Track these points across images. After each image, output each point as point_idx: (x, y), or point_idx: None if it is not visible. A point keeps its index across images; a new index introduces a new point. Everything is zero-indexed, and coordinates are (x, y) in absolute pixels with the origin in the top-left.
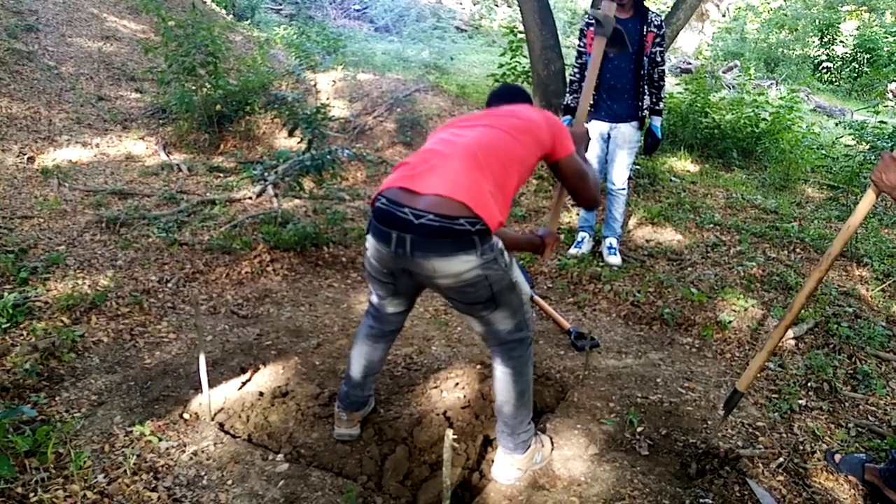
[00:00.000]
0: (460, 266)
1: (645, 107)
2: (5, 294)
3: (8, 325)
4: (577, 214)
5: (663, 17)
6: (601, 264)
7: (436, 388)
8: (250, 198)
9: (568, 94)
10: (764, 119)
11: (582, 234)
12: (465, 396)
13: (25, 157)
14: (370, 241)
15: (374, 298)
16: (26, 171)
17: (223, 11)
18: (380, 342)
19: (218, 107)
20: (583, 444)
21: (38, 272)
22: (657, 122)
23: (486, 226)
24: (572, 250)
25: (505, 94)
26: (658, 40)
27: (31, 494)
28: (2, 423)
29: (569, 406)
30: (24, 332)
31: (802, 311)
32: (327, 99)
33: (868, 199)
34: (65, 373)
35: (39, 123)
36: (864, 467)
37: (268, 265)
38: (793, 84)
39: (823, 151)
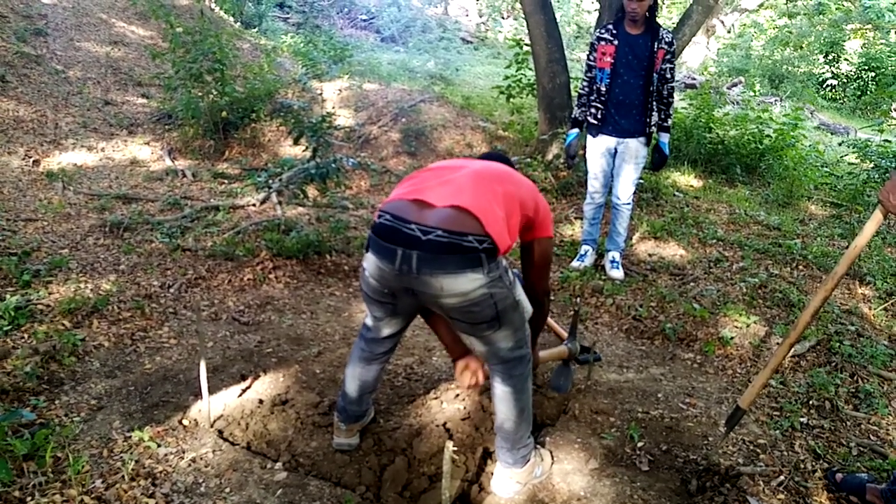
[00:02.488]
0: (468, 284)
1: (653, 123)
2: (7, 296)
3: (9, 327)
4: (581, 227)
5: (675, 35)
6: (603, 278)
7: (436, 399)
8: (254, 205)
9: (576, 108)
10: (768, 136)
11: (585, 247)
12: (465, 408)
13: (31, 160)
14: (370, 260)
15: (370, 321)
16: (31, 174)
17: (231, 19)
18: (373, 364)
19: (224, 113)
20: (583, 459)
21: (40, 275)
22: (665, 138)
23: (494, 244)
24: (575, 263)
25: (496, 157)
26: (668, 57)
27: (29, 498)
28: (1, 427)
29: (569, 420)
30: (26, 335)
31: (805, 329)
32: (333, 108)
33: (875, 220)
34: (65, 376)
35: (46, 127)
36: (866, 487)
37: (270, 272)
38: (797, 101)
39: (827, 169)
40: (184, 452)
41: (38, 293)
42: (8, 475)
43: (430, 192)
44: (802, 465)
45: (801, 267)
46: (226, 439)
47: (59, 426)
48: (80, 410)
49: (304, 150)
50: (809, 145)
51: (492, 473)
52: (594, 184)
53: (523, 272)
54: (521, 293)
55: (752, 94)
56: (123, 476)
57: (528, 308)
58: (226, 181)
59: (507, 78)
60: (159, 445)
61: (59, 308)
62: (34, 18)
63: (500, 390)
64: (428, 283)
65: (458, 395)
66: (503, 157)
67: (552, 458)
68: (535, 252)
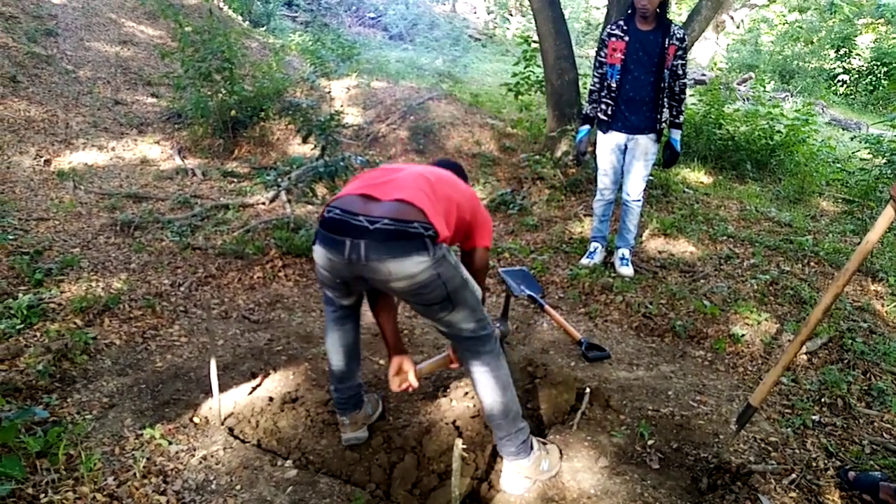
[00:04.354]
0: (414, 267)
1: (663, 119)
2: (20, 295)
3: (22, 325)
4: (590, 224)
5: (685, 30)
6: (613, 275)
7: (445, 397)
8: (263, 203)
9: (587, 104)
10: (778, 131)
11: (594, 244)
12: (474, 406)
13: (42, 159)
14: (319, 251)
15: (328, 294)
16: (43, 173)
17: (239, 18)
18: (347, 322)
19: (233, 112)
20: (593, 457)
21: (52, 274)
22: (676, 135)
23: (436, 233)
24: (584, 260)
25: (448, 164)
26: (680, 53)
27: (42, 495)
28: (14, 424)
29: (579, 417)
30: (38, 334)
31: (817, 325)
32: (341, 106)
33: (887, 216)
34: (77, 374)
35: (57, 126)
36: (879, 486)
37: (280, 270)
38: (808, 97)
39: (839, 165)
40: (195, 450)
41: (50, 292)
42: (21, 472)
43: (375, 189)
44: (815, 464)
45: (812, 263)
46: (236, 437)
47: (72, 424)
48: (93, 408)
49: (312, 149)
50: (821, 141)
51: (501, 471)
52: (604, 180)
53: None
54: (467, 273)
55: (762, 89)
56: (135, 473)
57: (477, 288)
58: (235, 180)
59: (515, 75)
60: (170, 443)
61: (70, 306)
62: (44, 19)
63: (478, 373)
64: (377, 270)
65: (467, 393)
66: (455, 164)
67: (560, 454)
68: (473, 261)
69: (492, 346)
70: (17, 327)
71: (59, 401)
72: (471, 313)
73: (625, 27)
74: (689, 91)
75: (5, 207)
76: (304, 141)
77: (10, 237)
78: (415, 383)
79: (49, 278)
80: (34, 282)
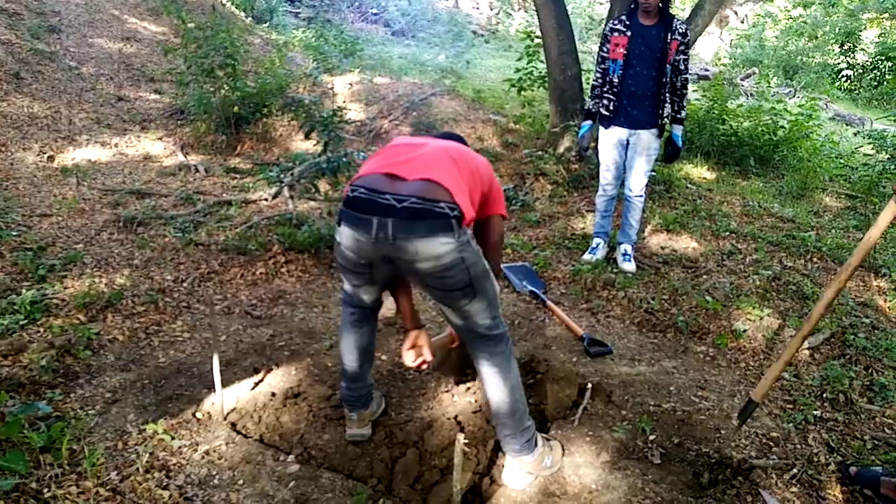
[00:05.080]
0: (440, 248)
1: (666, 115)
2: (23, 291)
3: (25, 321)
4: (592, 220)
5: (688, 25)
6: (615, 271)
7: (447, 392)
8: (266, 199)
9: (589, 99)
10: (782, 127)
11: (597, 239)
12: (476, 401)
13: (45, 155)
14: (346, 232)
15: (348, 288)
16: (46, 169)
17: (242, 14)
18: (364, 325)
19: (235, 108)
20: (594, 452)
21: (55, 270)
22: (678, 130)
23: (462, 214)
24: (586, 256)
25: (453, 136)
26: (682, 48)
27: (46, 490)
28: (18, 419)
29: (580, 413)
30: (41, 329)
31: (819, 321)
32: (344, 102)
33: (890, 211)
34: (80, 370)
35: (60, 123)
36: (881, 481)
37: (282, 266)
38: (812, 92)
39: (842, 160)
40: (197, 445)
41: (53, 287)
42: (25, 467)
43: (400, 167)
44: (816, 459)
45: (815, 259)
46: (239, 432)
47: (75, 419)
48: (95, 403)
49: (315, 145)
50: (824, 136)
51: (503, 466)
52: (606, 176)
53: None
54: (489, 265)
55: (766, 85)
56: (138, 468)
57: (496, 284)
58: (238, 176)
59: (518, 70)
60: (173, 438)
61: (74, 302)
62: (48, 15)
63: (487, 372)
64: (403, 249)
65: (468, 389)
66: (459, 137)
67: (563, 450)
68: (490, 229)
69: (504, 347)
70: (21, 323)
71: (62, 396)
72: (488, 307)
73: (627, 22)
74: (693, 87)
75: (9, 204)
76: (307, 137)
77: (14, 233)
78: (429, 358)
79: (52, 274)
80: (37, 277)
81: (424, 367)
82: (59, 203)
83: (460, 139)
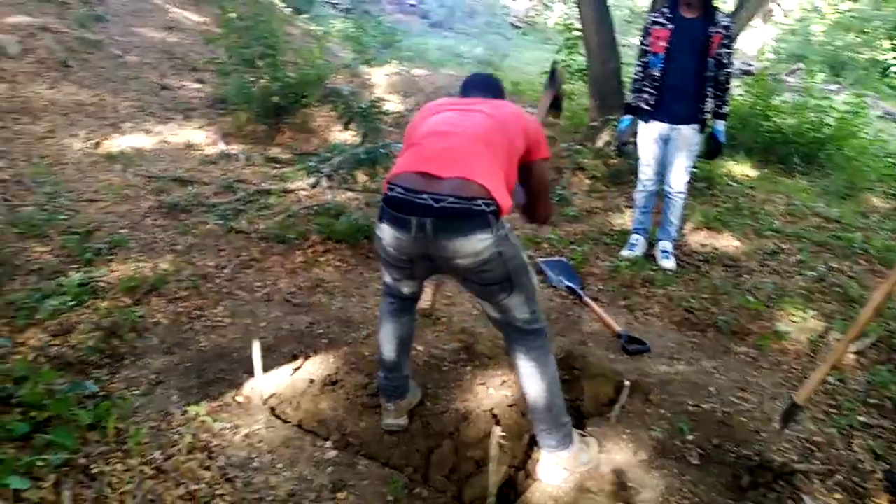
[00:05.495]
0: (478, 244)
1: (707, 110)
2: (71, 273)
3: (73, 303)
4: (632, 216)
5: (732, 18)
6: (654, 268)
7: (482, 384)
8: (305, 189)
9: (630, 93)
10: (828, 124)
11: (636, 236)
12: (511, 395)
13: (92, 142)
14: (386, 230)
15: (389, 280)
16: (92, 155)
17: (282, 4)
18: (404, 315)
19: (275, 99)
20: (631, 450)
21: (102, 253)
22: (721, 126)
23: (499, 207)
24: (625, 252)
25: (481, 84)
26: (725, 42)
27: (93, 466)
28: (67, 397)
29: (618, 411)
30: (88, 311)
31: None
32: (382, 93)
33: None
34: (125, 352)
35: (105, 110)
36: None
37: (321, 255)
38: (859, 89)
39: (891, 160)
40: (238, 428)
41: (99, 271)
42: (74, 443)
43: (433, 164)
44: (860, 465)
45: (861, 261)
46: (278, 417)
47: (120, 399)
48: (140, 384)
49: (353, 136)
50: (872, 135)
51: (538, 460)
52: (646, 171)
53: (527, 207)
54: (527, 259)
55: (811, 81)
56: (181, 448)
57: (535, 278)
58: (277, 165)
59: (556, 63)
60: (215, 420)
61: (119, 285)
62: (93, 4)
63: (525, 367)
64: (443, 247)
65: (504, 382)
66: (488, 84)
67: (599, 447)
68: (534, 174)
69: (542, 342)
70: (69, 304)
71: (108, 376)
72: (527, 301)
73: (669, 15)
74: (736, 82)
75: (57, 188)
76: (346, 128)
77: (62, 217)
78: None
79: (99, 258)
80: (85, 261)
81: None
82: (105, 188)
83: (494, 85)
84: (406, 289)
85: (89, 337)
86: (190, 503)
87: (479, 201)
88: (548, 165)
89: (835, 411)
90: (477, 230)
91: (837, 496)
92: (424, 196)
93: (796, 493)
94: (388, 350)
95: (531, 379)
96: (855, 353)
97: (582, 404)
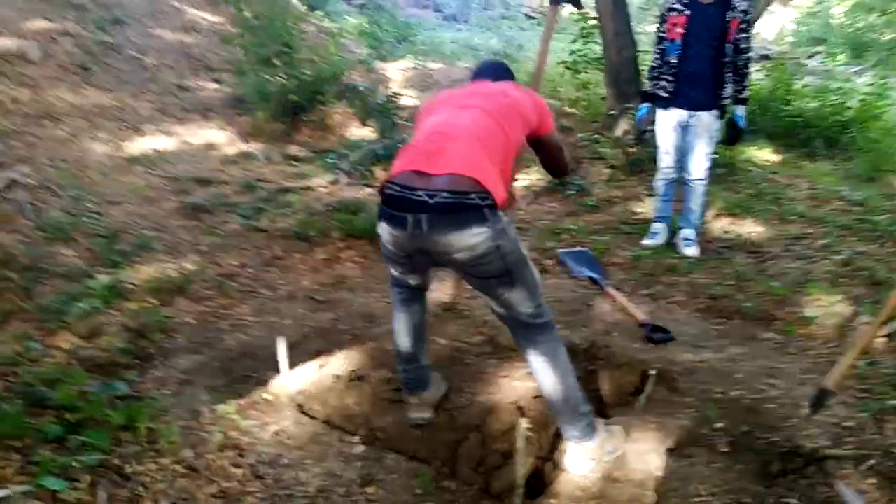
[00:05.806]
0: (473, 238)
1: (726, 95)
2: (99, 276)
3: (102, 305)
4: (652, 204)
5: (749, 2)
6: (677, 256)
7: (506, 377)
8: (324, 186)
9: (647, 81)
10: (850, 107)
11: (657, 224)
12: (535, 387)
13: (114, 145)
14: (384, 227)
15: (394, 272)
16: (114, 158)
17: (297, 2)
18: (414, 304)
19: (293, 97)
20: (658, 439)
21: (128, 255)
22: (741, 111)
23: (494, 201)
24: (646, 241)
25: (491, 70)
26: (743, 26)
27: (127, 466)
28: (99, 398)
29: (644, 400)
30: (117, 313)
31: None
32: (398, 88)
33: None
34: (154, 352)
35: (126, 113)
36: None
37: (342, 252)
38: (883, 70)
39: None
40: (267, 425)
41: (126, 272)
42: (107, 444)
43: (426, 163)
44: (894, 450)
45: (888, 244)
46: (306, 413)
47: (151, 399)
48: (170, 384)
49: (371, 131)
50: None
51: (565, 451)
52: (665, 159)
53: (545, 167)
54: (527, 253)
55: (833, 63)
56: (211, 447)
57: (537, 273)
58: (296, 163)
59: (572, 53)
60: (244, 418)
61: (146, 287)
62: (111, 7)
63: (536, 362)
64: (438, 242)
65: (528, 374)
66: (497, 69)
67: (626, 437)
68: (545, 146)
69: (550, 335)
70: (98, 306)
71: (138, 377)
72: (529, 296)
73: (685, 1)
74: (755, 66)
75: (81, 192)
76: (363, 124)
77: (87, 220)
78: None
79: (125, 259)
80: (111, 263)
81: None
82: (129, 191)
83: (502, 68)
84: (412, 280)
85: (118, 338)
86: (222, 500)
87: (473, 195)
88: (555, 135)
89: (866, 395)
90: (472, 224)
91: (872, 481)
92: (419, 192)
93: (828, 478)
94: (404, 341)
95: (544, 373)
96: (885, 336)
97: (607, 394)
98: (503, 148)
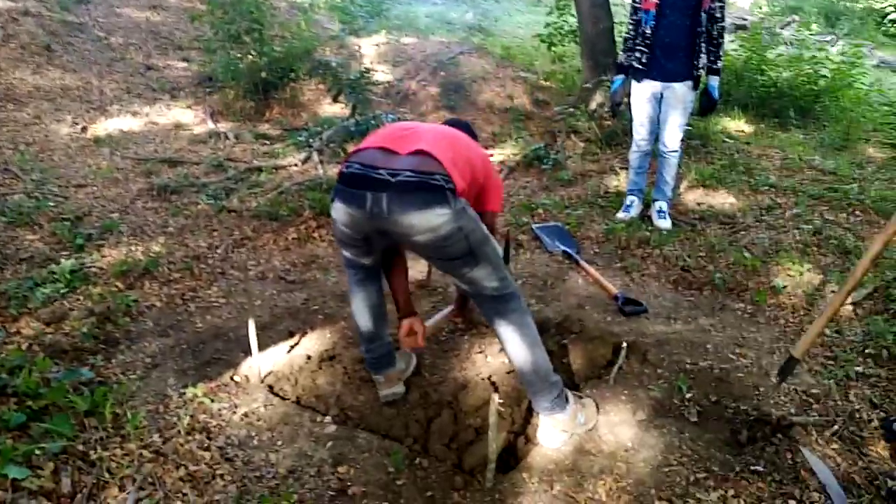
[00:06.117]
0: (435, 219)
1: (701, 66)
2: (63, 260)
3: (66, 290)
4: (626, 177)
5: None
6: (650, 228)
7: (480, 353)
8: (296, 165)
9: (622, 52)
10: (824, 76)
11: (631, 197)
12: (508, 362)
13: (79, 126)
14: (339, 207)
15: (347, 254)
16: (79, 140)
17: None
18: (370, 283)
19: (263, 74)
20: (630, 410)
21: (93, 239)
22: (714, 82)
23: (455, 187)
24: (620, 214)
25: (459, 124)
26: None
27: (92, 452)
28: (62, 384)
29: (615, 372)
30: (81, 297)
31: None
32: (371, 63)
33: None
34: (120, 336)
35: (91, 94)
36: None
37: (314, 231)
38: (855, 38)
39: (888, 108)
40: (236, 407)
41: (91, 256)
42: (71, 430)
43: (394, 143)
44: (858, 415)
45: (857, 212)
46: (276, 394)
47: (117, 384)
48: (136, 368)
49: (343, 108)
50: (869, 85)
51: (537, 426)
52: (640, 131)
53: None
54: (487, 230)
55: (806, 33)
56: (179, 430)
57: (497, 245)
58: (267, 142)
59: (548, 25)
60: (213, 401)
61: (111, 270)
62: None
63: (504, 332)
64: (398, 223)
65: (501, 349)
66: (465, 123)
67: (597, 408)
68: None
69: (516, 305)
70: (62, 291)
71: (103, 362)
72: (493, 270)
73: None
74: (730, 37)
75: (45, 175)
76: (335, 100)
77: (51, 203)
78: (423, 343)
79: (90, 243)
80: (76, 247)
81: (421, 346)
82: (94, 173)
83: (466, 127)
84: (366, 261)
85: (83, 323)
86: (190, 484)
87: (438, 176)
88: (499, 222)
89: (832, 363)
90: (434, 205)
91: (835, 446)
92: (381, 171)
93: (794, 445)
94: (364, 321)
95: (513, 343)
96: (851, 304)
97: (579, 367)
98: (469, 161)
